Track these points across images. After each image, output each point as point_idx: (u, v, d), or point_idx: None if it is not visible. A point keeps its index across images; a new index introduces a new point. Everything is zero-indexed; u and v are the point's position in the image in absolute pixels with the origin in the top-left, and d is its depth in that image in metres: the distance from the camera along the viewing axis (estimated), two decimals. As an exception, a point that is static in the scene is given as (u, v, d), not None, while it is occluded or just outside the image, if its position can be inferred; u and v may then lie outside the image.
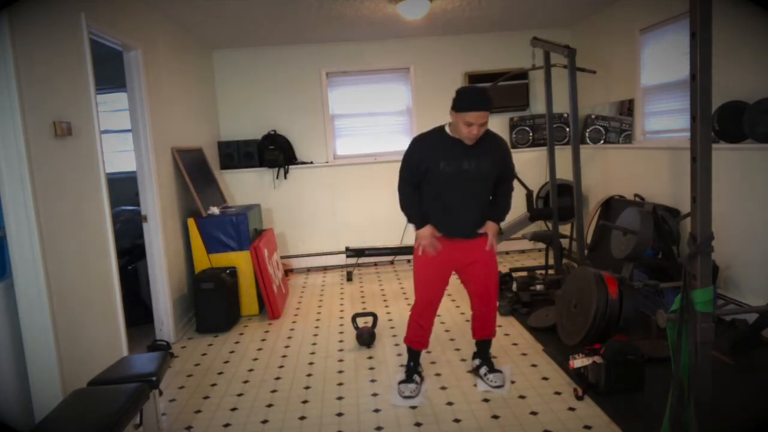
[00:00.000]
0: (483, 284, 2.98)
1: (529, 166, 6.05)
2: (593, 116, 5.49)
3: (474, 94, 2.65)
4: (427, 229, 2.85)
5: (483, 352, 3.18)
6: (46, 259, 2.59)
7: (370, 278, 5.67)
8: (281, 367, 3.53)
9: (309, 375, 3.37)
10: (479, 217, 2.88)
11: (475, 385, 3.05)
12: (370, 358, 3.57)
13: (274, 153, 5.95)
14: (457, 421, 2.71)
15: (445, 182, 2.77)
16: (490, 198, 2.93)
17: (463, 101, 2.63)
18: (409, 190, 2.87)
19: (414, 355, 3.11)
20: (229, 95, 6.12)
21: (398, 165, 2.92)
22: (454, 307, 4.45)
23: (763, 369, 3.04)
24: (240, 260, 4.54)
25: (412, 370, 3.09)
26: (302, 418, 2.85)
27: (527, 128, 6.17)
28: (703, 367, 1.79)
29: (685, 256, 1.82)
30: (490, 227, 2.90)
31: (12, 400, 2.54)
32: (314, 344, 3.89)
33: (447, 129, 2.80)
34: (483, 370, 3.10)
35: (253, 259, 4.50)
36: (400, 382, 3.04)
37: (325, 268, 6.21)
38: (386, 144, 6.22)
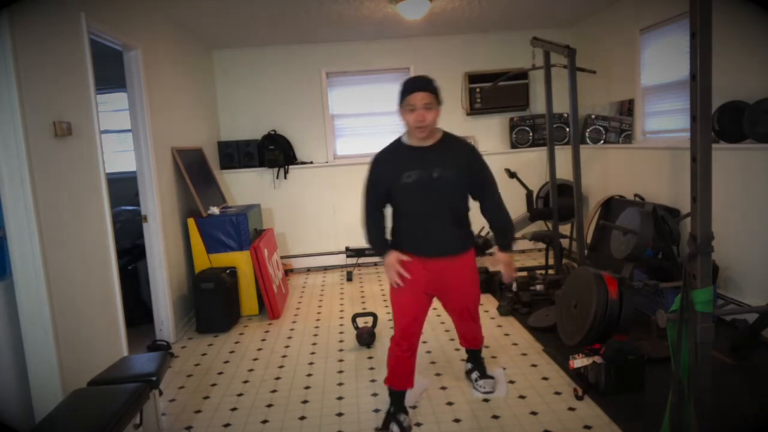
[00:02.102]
0: (464, 308, 2.82)
1: (529, 166, 6.05)
2: (593, 116, 5.49)
3: (413, 78, 2.50)
4: (391, 256, 2.55)
5: (473, 359, 3.10)
6: (46, 259, 2.59)
7: (370, 278, 5.67)
8: (281, 367, 3.53)
9: (309, 375, 3.37)
10: (454, 233, 2.60)
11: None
12: (370, 358, 3.57)
13: (274, 153, 5.95)
14: (457, 421, 2.71)
15: (409, 196, 2.51)
16: (467, 212, 2.66)
17: (402, 88, 2.47)
18: (373, 215, 2.61)
19: (396, 399, 2.68)
20: (229, 95, 6.13)
21: None
22: (454, 307, 4.45)
23: (763, 369, 3.04)
24: (240, 260, 4.54)
25: (391, 418, 2.64)
26: (302, 418, 2.85)
27: (527, 128, 6.17)
28: (703, 367, 1.79)
29: (685, 256, 1.82)
30: (501, 258, 2.63)
31: (12, 400, 2.54)
32: (314, 344, 3.89)
33: (404, 138, 2.59)
34: (474, 375, 3.04)
35: (253, 259, 4.50)
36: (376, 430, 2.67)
37: (325, 268, 6.21)
38: (386, 144, 6.21)
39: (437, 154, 2.51)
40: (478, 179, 2.59)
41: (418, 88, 2.41)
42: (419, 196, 2.50)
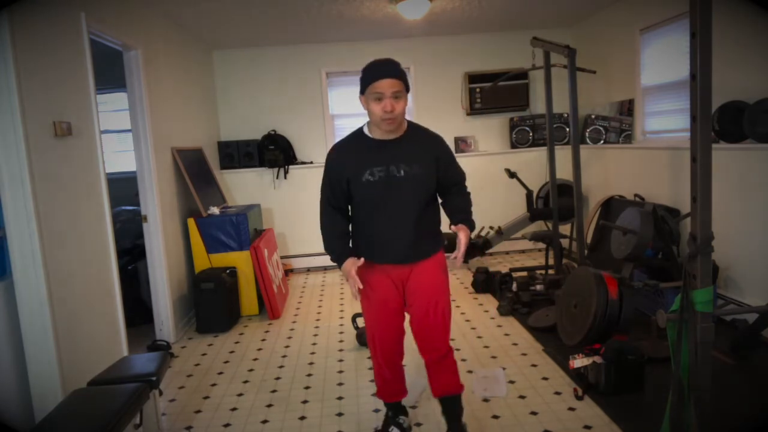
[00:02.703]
0: (431, 302, 2.29)
1: (529, 166, 6.05)
2: (593, 116, 5.49)
3: (378, 63, 2.14)
4: (348, 264, 2.22)
5: (448, 413, 2.44)
6: (46, 259, 2.59)
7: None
8: (281, 367, 3.53)
9: (309, 375, 3.37)
10: (421, 236, 2.26)
11: None
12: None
13: (274, 153, 5.96)
14: (457, 421, 2.70)
15: (371, 197, 2.20)
16: (437, 211, 2.36)
17: (366, 75, 2.13)
18: (331, 218, 2.30)
19: (392, 407, 2.58)
20: (229, 95, 6.13)
21: None
22: (455, 307, 4.45)
23: (763, 369, 3.04)
24: (240, 260, 4.54)
25: (391, 421, 2.55)
26: (302, 418, 2.85)
27: (527, 128, 6.17)
28: (703, 367, 1.79)
29: (685, 256, 1.82)
30: (461, 230, 2.17)
31: (12, 400, 2.54)
32: (314, 344, 3.89)
33: (365, 129, 2.25)
34: None
35: (253, 259, 4.50)
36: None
37: (325, 268, 6.20)
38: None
39: (404, 148, 2.19)
40: (446, 175, 2.29)
41: (385, 74, 2.08)
42: (380, 198, 2.18)
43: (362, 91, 2.15)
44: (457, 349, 3.57)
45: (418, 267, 2.30)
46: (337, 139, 2.43)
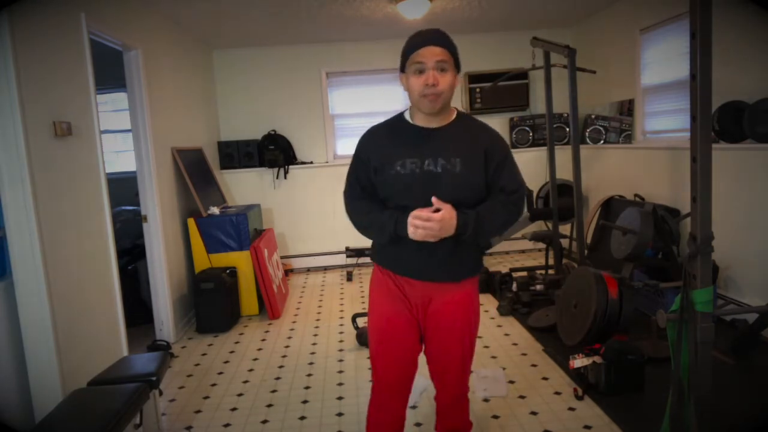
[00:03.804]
0: (445, 363, 1.94)
1: (529, 166, 6.03)
2: (593, 116, 5.49)
3: (422, 31, 1.79)
4: (411, 216, 1.73)
5: None
6: (46, 259, 2.59)
7: (371, 278, 5.66)
8: (281, 367, 3.53)
9: (309, 375, 3.37)
10: (454, 251, 1.82)
11: None
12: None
13: (274, 153, 5.96)
14: (457, 421, 2.70)
15: (399, 192, 1.80)
16: None
17: (407, 45, 1.79)
18: (359, 201, 1.90)
19: None
20: (229, 95, 6.12)
21: None
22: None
23: (763, 369, 3.04)
24: (240, 260, 4.54)
25: None
26: (302, 418, 2.85)
27: (527, 128, 6.17)
28: (703, 367, 1.79)
29: (685, 256, 1.82)
30: (446, 208, 1.72)
31: (12, 400, 2.54)
32: (314, 344, 3.89)
33: (407, 115, 1.89)
34: None
35: (253, 259, 4.50)
36: None
37: (325, 268, 6.20)
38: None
39: (447, 139, 1.81)
40: (494, 178, 1.85)
41: (429, 41, 1.73)
42: (412, 194, 1.78)
43: (402, 68, 1.82)
44: (457, 349, 3.57)
45: (443, 292, 1.88)
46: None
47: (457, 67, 1.77)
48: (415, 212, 1.71)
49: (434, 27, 1.83)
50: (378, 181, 1.84)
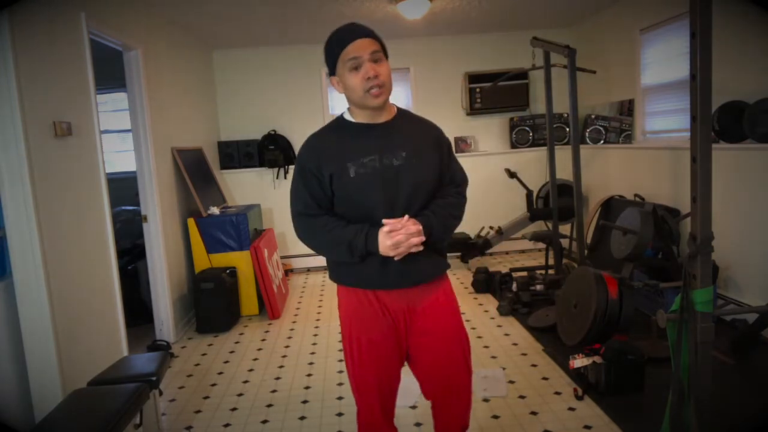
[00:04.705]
0: (450, 362, 1.84)
1: (529, 166, 6.05)
2: (593, 116, 5.49)
3: (343, 28, 1.69)
4: (381, 234, 1.66)
5: None
6: (46, 259, 2.59)
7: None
8: (281, 367, 3.53)
9: (309, 375, 3.37)
10: (424, 249, 1.70)
11: None
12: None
13: (274, 153, 5.96)
14: (457, 421, 2.70)
15: (358, 196, 1.69)
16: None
17: (330, 46, 1.68)
18: (313, 219, 1.78)
19: None
20: (229, 95, 6.12)
21: None
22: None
23: (763, 369, 3.04)
24: (240, 260, 4.54)
25: None
26: (302, 418, 2.85)
27: (527, 128, 6.17)
28: (703, 367, 1.79)
29: (685, 256, 1.82)
30: (411, 224, 1.66)
31: (12, 400, 2.54)
32: (314, 344, 3.89)
33: (347, 116, 1.78)
34: None
35: (253, 259, 4.50)
36: None
37: (325, 268, 6.20)
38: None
39: (397, 133, 1.73)
40: (447, 169, 1.82)
41: (357, 34, 1.65)
42: (374, 195, 1.68)
43: (332, 71, 1.70)
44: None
45: (422, 295, 1.79)
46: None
47: (386, 55, 1.70)
48: (387, 227, 1.65)
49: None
50: (336, 187, 1.71)
